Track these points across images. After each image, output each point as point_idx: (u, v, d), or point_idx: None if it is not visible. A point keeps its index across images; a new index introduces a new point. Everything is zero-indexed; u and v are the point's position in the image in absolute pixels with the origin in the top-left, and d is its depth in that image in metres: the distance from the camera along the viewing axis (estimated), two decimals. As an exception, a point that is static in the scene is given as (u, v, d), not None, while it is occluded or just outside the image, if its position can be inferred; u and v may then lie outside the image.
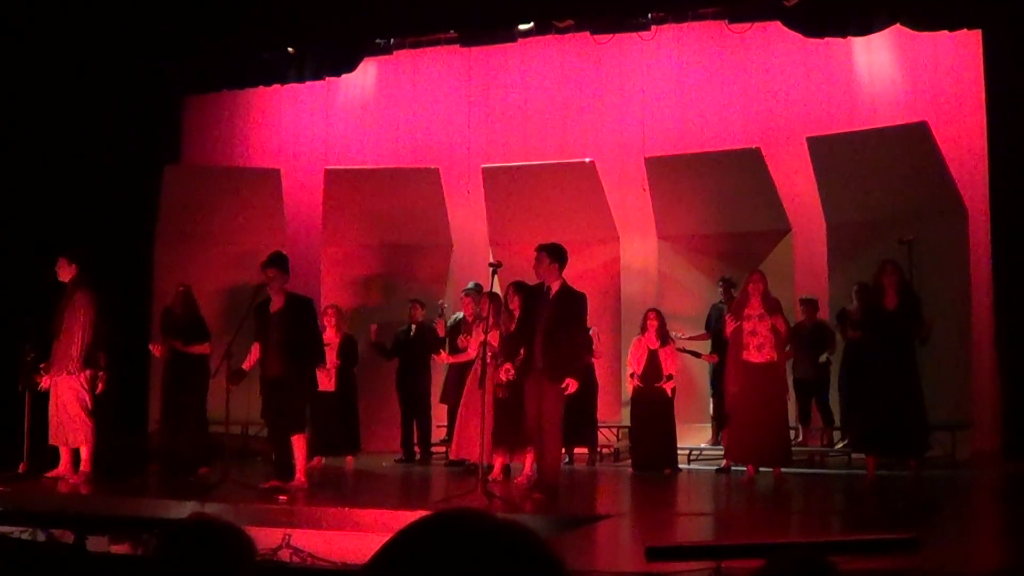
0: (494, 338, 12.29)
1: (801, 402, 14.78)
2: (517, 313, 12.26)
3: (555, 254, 11.06)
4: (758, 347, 12.33)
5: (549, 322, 10.85)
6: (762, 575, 2.81)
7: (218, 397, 12.81)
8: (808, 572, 2.74)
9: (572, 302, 11.04)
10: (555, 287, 11.01)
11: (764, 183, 15.71)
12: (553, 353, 10.80)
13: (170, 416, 13.50)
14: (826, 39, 16.06)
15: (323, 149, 19.12)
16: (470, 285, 15.12)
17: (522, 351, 11.21)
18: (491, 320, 12.07)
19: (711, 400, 14.89)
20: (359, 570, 1.74)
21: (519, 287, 12.39)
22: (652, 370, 13.97)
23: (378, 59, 18.63)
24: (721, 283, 14.89)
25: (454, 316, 15.44)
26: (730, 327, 12.53)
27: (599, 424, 15.19)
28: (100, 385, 13.19)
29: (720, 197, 16.07)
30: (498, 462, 12.58)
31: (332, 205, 17.56)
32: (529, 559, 1.65)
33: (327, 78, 18.44)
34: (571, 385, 10.76)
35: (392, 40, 18.25)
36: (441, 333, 15.17)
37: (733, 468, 13.45)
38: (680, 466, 14.16)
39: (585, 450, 15.15)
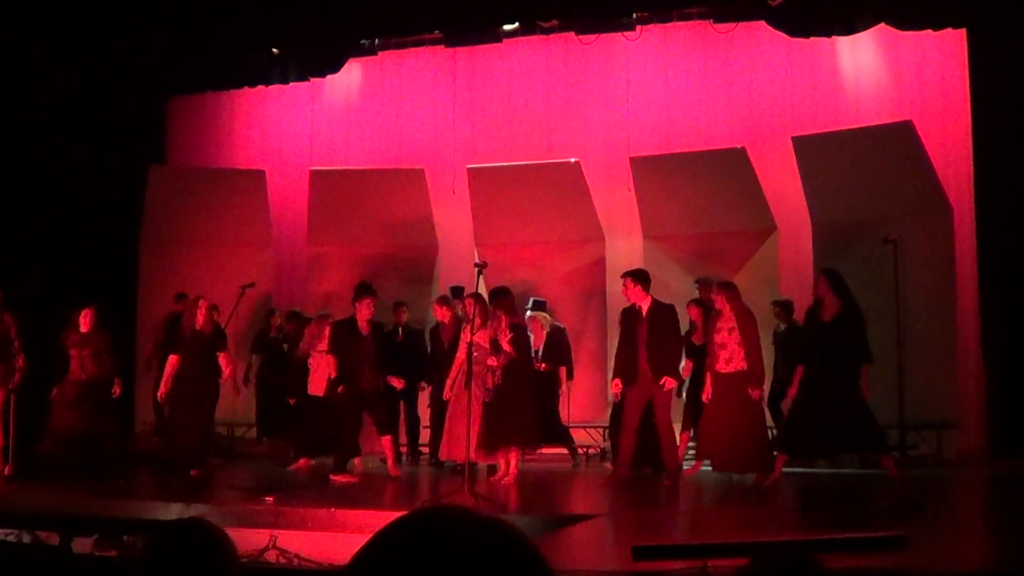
0: (481, 338, 12.30)
1: (770, 406, 14.57)
2: (505, 318, 12.49)
3: (639, 278, 12.48)
4: (727, 360, 12.42)
5: (649, 335, 12.18)
6: (748, 574, 2.80)
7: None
8: (793, 570, 2.73)
9: (664, 314, 12.37)
10: (646, 305, 12.33)
11: (749, 183, 15.74)
12: (656, 360, 12.13)
13: (177, 418, 13.40)
14: (811, 39, 16.06)
15: (308, 150, 19.09)
16: (445, 294, 15.12)
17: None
18: (477, 321, 12.19)
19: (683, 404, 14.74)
20: (343, 568, 1.73)
21: (501, 292, 12.71)
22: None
23: (363, 60, 18.62)
24: (696, 283, 14.75)
25: (431, 323, 15.44)
26: (699, 338, 12.66)
27: (584, 424, 15.15)
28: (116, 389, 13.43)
29: (706, 197, 16.10)
30: (501, 462, 12.70)
31: (317, 206, 17.56)
32: (510, 555, 1.64)
33: (312, 79, 18.43)
34: (668, 383, 12.17)
35: (377, 41, 18.23)
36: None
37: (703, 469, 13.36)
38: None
39: (565, 450, 15.04)
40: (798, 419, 11.98)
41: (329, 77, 18.51)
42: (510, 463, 12.52)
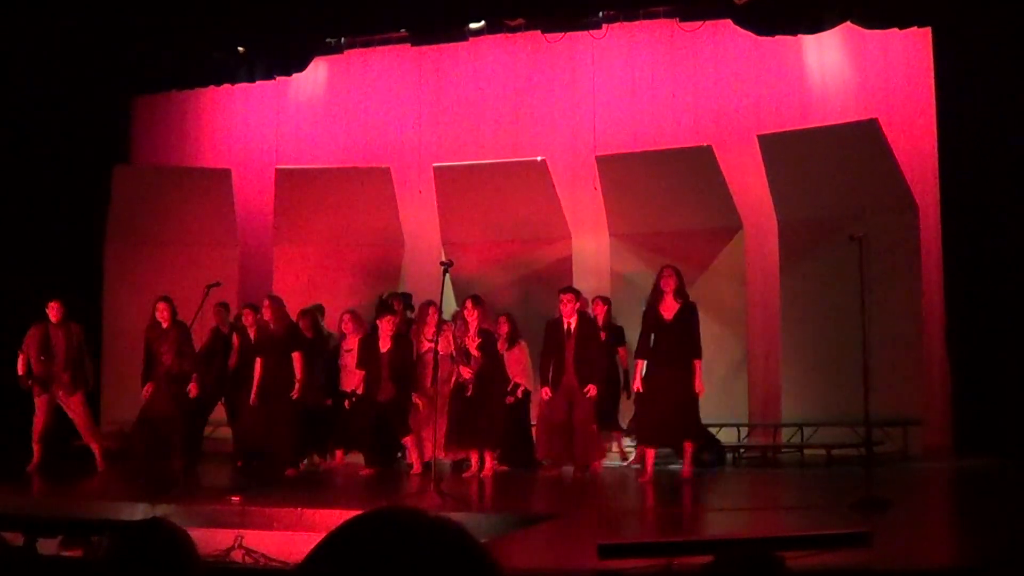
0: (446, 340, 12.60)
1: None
2: (473, 324, 13.00)
3: (580, 294, 13.43)
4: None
5: (578, 347, 12.87)
6: (712, 571, 2.81)
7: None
8: (755, 567, 2.73)
9: (592, 327, 13.31)
10: (575, 320, 13.00)
11: (715, 181, 15.74)
12: (584, 370, 12.81)
13: (261, 417, 13.33)
14: (777, 37, 16.10)
15: (274, 149, 19.03)
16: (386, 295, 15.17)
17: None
18: (431, 329, 13.07)
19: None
20: (296, 567, 1.73)
21: (477, 300, 13.20)
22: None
23: (329, 58, 18.59)
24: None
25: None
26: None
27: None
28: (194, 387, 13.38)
29: (672, 195, 16.09)
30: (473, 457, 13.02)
31: (283, 205, 17.49)
32: (460, 555, 1.65)
33: (278, 77, 18.36)
34: (591, 390, 12.68)
35: (343, 39, 18.20)
36: None
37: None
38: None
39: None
40: (644, 411, 12.60)
41: (295, 76, 18.46)
42: (485, 458, 12.85)
